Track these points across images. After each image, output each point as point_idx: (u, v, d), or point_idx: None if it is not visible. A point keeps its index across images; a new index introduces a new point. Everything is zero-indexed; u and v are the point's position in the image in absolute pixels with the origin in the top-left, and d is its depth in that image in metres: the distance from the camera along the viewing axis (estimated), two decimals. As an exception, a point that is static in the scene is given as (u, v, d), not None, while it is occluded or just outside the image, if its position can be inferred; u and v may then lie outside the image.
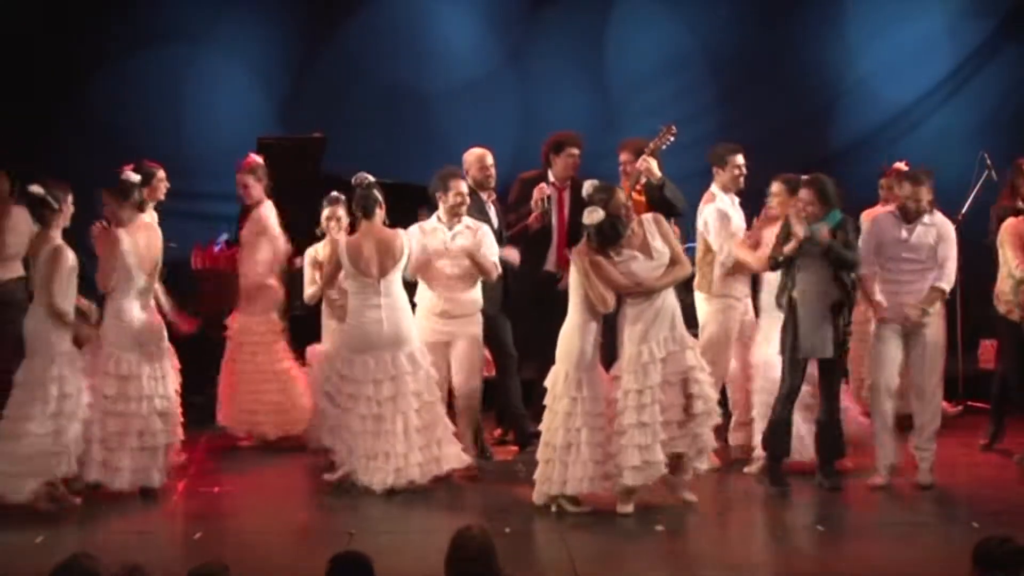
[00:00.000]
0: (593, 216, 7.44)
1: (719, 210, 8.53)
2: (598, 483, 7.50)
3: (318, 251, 8.75)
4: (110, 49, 11.98)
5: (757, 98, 12.26)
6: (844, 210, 8.04)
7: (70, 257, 7.60)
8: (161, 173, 8.77)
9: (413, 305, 8.36)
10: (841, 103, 12.51)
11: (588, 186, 7.69)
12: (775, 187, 8.34)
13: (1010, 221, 8.62)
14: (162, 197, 8.80)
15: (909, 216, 8.01)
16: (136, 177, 7.94)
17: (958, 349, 10.03)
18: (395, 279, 8.11)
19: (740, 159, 8.60)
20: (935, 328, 8.06)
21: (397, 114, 12.15)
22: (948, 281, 8.01)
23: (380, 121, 12.03)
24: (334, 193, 8.73)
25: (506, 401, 9.06)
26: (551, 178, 9.16)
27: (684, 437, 7.53)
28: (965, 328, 10.10)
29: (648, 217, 7.74)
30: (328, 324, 8.74)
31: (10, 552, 6.91)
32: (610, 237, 7.47)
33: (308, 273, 8.77)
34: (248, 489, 8.35)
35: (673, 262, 7.57)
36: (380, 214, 8.16)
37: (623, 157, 8.93)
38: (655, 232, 7.61)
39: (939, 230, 8.01)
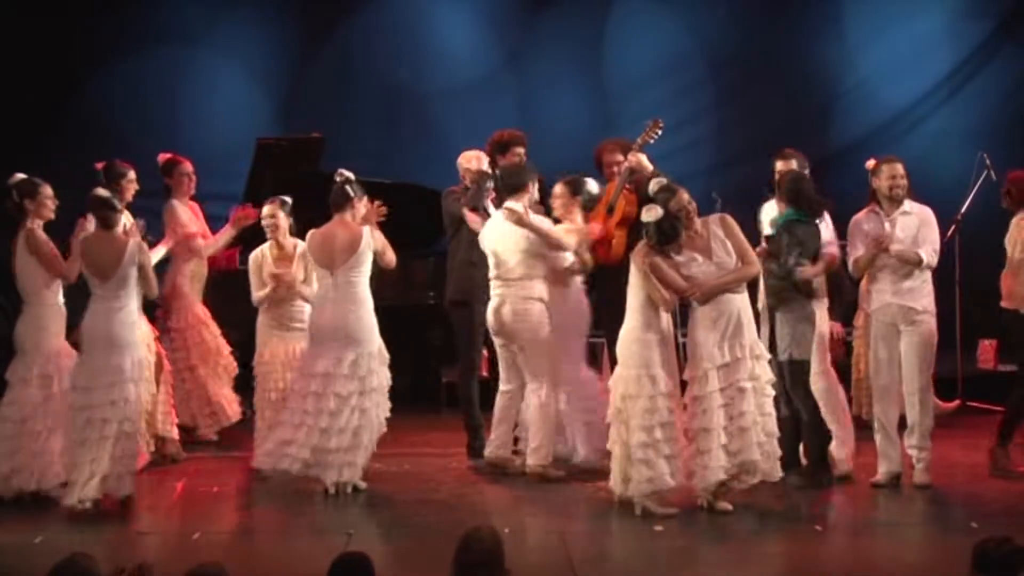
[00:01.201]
0: (651, 213, 7.32)
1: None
2: (661, 482, 7.34)
3: (264, 253, 8.62)
4: (109, 50, 12.01)
5: (757, 98, 12.27)
6: (840, 211, 8.01)
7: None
8: (131, 174, 8.76)
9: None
10: (841, 103, 12.53)
11: (654, 184, 7.52)
12: (557, 189, 8.25)
13: None
14: (130, 198, 8.77)
15: (895, 201, 7.89)
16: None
17: (957, 349, 10.03)
18: (352, 277, 7.96)
19: (779, 164, 8.32)
20: (927, 327, 7.97)
21: (396, 114, 12.18)
22: (929, 255, 7.87)
23: (379, 121, 12.05)
24: (283, 197, 8.62)
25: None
26: None
27: (751, 446, 7.36)
28: (965, 328, 10.10)
29: (715, 218, 7.57)
30: (265, 331, 8.58)
31: (10, 552, 6.91)
32: (668, 235, 7.34)
33: (254, 278, 8.56)
34: (248, 489, 8.35)
35: (741, 262, 7.43)
36: (351, 211, 8.08)
37: (607, 158, 8.83)
38: (720, 234, 7.47)
39: (920, 217, 7.95)
